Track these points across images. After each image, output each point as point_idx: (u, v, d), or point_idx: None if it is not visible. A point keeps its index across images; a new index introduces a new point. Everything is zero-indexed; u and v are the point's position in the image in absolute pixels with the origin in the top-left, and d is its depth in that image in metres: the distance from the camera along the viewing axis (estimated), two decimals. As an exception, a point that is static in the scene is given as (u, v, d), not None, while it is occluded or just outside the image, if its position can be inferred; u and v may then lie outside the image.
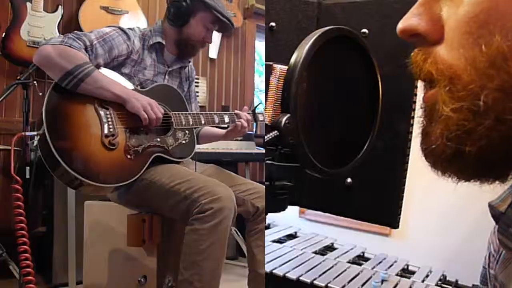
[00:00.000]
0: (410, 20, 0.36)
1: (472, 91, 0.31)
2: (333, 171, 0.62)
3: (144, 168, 1.29)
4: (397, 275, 1.59)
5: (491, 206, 0.46)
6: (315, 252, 1.78)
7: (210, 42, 1.53)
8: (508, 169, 0.33)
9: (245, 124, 1.47)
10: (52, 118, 1.17)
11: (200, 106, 2.95)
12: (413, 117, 0.78)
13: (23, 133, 1.25)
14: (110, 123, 1.25)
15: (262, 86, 3.61)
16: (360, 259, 1.78)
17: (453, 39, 0.33)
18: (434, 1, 0.35)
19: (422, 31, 0.35)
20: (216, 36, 3.05)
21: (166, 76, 1.51)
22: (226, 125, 1.52)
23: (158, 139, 1.34)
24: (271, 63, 0.60)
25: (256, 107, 1.53)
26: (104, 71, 1.32)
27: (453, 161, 0.33)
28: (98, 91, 1.24)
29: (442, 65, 0.33)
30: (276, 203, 0.63)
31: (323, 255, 1.75)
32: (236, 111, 1.49)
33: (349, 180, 0.85)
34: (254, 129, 2.82)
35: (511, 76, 0.29)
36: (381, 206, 0.86)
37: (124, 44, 1.37)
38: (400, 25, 0.37)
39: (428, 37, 0.35)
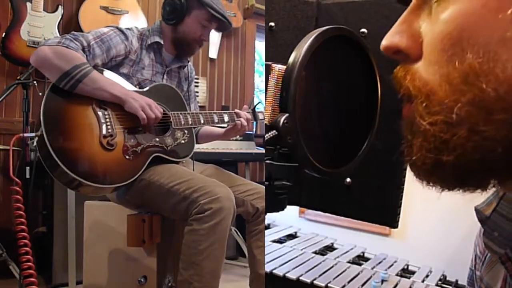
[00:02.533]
0: (392, 38, 0.37)
1: (446, 106, 0.32)
2: (332, 171, 0.62)
3: (143, 168, 1.29)
4: (397, 275, 1.59)
5: (477, 210, 0.46)
6: (315, 252, 1.78)
7: (207, 40, 1.52)
8: (486, 177, 0.34)
9: (245, 123, 1.47)
10: (50, 119, 1.17)
11: (200, 106, 2.95)
12: (412, 117, 0.78)
13: (21, 135, 1.25)
14: (108, 123, 1.25)
15: (262, 86, 3.61)
16: (360, 259, 1.78)
17: (430, 55, 0.34)
18: (415, 18, 0.36)
19: (403, 47, 0.36)
20: (216, 36, 3.05)
21: (165, 76, 1.51)
22: (225, 125, 1.51)
23: (157, 139, 1.34)
24: (270, 63, 0.60)
25: (255, 106, 1.53)
26: (104, 72, 1.32)
27: (434, 171, 0.35)
28: (96, 92, 1.24)
29: (419, 82, 0.35)
30: (275, 203, 0.63)
31: (323, 255, 1.75)
32: (236, 110, 1.49)
33: (348, 180, 0.85)
34: (254, 129, 2.82)
35: (482, 91, 0.30)
36: (380, 206, 0.86)
37: (122, 44, 1.37)
38: (384, 43, 0.38)
39: (410, 53, 0.36)
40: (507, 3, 0.29)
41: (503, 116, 0.30)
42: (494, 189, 0.36)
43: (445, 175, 0.34)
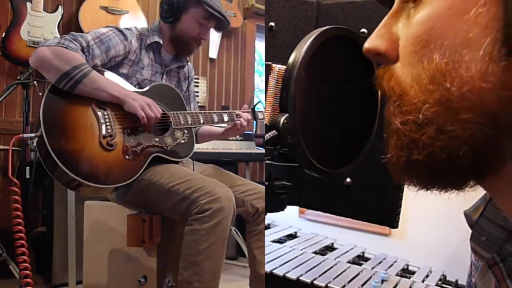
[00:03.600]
0: (373, 41, 0.39)
1: (416, 106, 0.34)
2: (332, 171, 0.62)
3: (143, 168, 1.29)
4: (397, 275, 1.59)
5: (466, 215, 0.47)
6: (315, 252, 1.78)
7: (205, 39, 1.51)
8: (456, 177, 0.35)
9: (245, 123, 1.47)
10: (49, 120, 1.17)
11: (200, 106, 2.95)
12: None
13: (21, 135, 1.25)
14: (108, 123, 1.25)
15: (262, 86, 3.61)
16: (360, 259, 1.78)
17: (404, 57, 0.36)
18: (394, 22, 0.38)
19: (383, 50, 0.38)
20: (216, 36, 3.05)
21: (164, 76, 1.51)
22: (225, 125, 1.51)
23: (157, 139, 1.34)
24: (270, 63, 0.60)
25: (255, 105, 1.53)
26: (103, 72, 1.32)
27: (407, 169, 0.36)
28: (95, 92, 1.24)
29: (393, 82, 0.37)
30: (275, 203, 0.63)
31: (323, 255, 1.75)
32: (236, 111, 1.49)
33: (348, 180, 0.85)
34: (254, 129, 2.82)
35: (447, 90, 0.31)
36: (380, 206, 0.86)
37: (121, 44, 1.37)
38: (365, 45, 0.39)
39: (388, 56, 0.38)
40: (471, 5, 0.30)
41: (468, 116, 0.31)
42: (473, 189, 0.37)
43: (417, 173, 0.36)
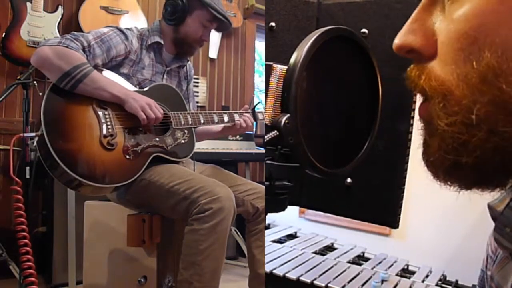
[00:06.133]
0: (405, 37, 0.36)
1: (464, 106, 0.32)
2: (332, 171, 0.62)
3: (143, 168, 1.29)
4: (397, 275, 1.59)
5: (490, 207, 0.46)
6: (315, 252, 1.78)
7: (207, 41, 1.53)
8: (506, 178, 0.33)
9: (244, 124, 1.47)
10: (50, 119, 1.17)
11: (200, 106, 2.95)
12: (413, 117, 0.78)
13: (21, 134, 1.25)
14: (108, 123, 1.25)
15: (262, 86, 3.61)
16: (360, 259, 1.78)
17: (446, 55, 0.33)
18: (428, 16, 0.35)
19: (417, 47, 0.36)
20: (216, 36, 3.05)
21: (165, 76, 1.51)
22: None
23: (157, 139, 1.34)
24: (271, 63, 0.60)
25: (255, 106, 1.53)
26: (104, 72, 1.32)
27: (452, 172, 0.34)
28: (96, 92, 1.24)
29: (435, 82, 0.34)
30: (276, 203, 0.63)
31: (323, 255, 1.75)
32: (236, 112, 1.49)
33: (349, 180, 0.85)
34: (254, 129, 2.82)
35: (501, 91, 0.30)
36: (381, 206, 0.86)
37: (122, 44, 1.37)
38: (396, 41, 0.37)
39: (423, 53, 0.35)
40: None
41: None
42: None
43: (464, 176, 0.34)
